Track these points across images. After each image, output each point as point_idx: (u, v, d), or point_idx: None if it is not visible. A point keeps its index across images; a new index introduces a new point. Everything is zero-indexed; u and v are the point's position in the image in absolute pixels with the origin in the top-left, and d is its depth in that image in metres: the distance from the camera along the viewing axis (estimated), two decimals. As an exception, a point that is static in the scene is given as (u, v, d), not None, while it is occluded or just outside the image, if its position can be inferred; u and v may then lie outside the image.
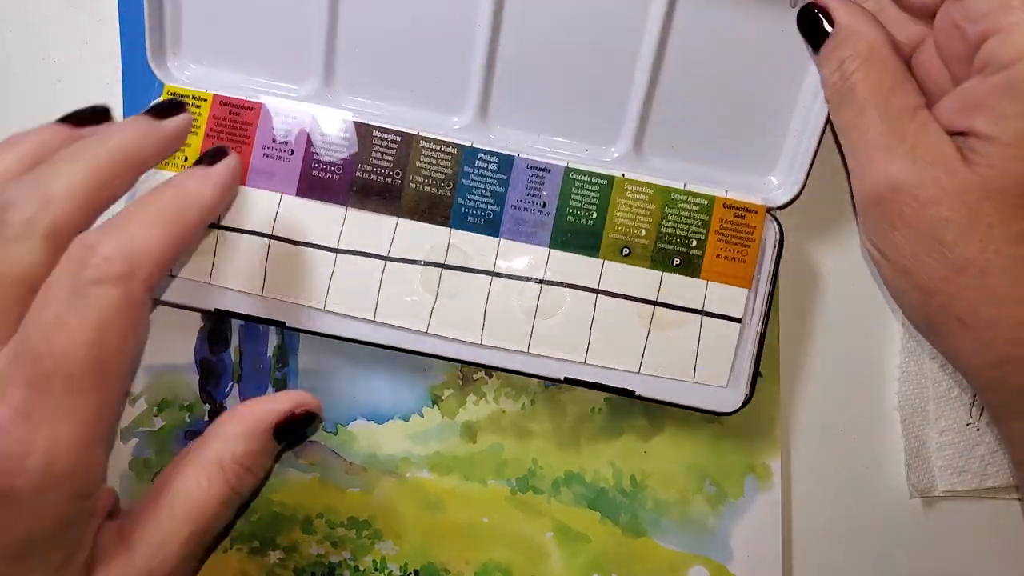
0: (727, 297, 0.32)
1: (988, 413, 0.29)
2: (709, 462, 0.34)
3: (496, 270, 0.32)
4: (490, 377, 0.34)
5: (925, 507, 0.34)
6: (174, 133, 0.28)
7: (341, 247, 0.32)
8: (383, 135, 0.32)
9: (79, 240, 0.23)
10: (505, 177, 0.32)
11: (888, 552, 0.34)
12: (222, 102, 0.31)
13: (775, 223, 0.32)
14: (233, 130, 0.31)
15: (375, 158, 0.32)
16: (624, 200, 0.32)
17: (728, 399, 0.32)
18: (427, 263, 0.32)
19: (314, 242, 0.31)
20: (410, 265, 0.32)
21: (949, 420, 0.34)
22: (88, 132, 0.27)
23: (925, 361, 0.34)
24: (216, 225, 0.31)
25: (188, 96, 0.31)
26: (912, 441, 0.34)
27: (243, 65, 0.32)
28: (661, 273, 0.32)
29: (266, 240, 0.31)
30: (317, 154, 0.31)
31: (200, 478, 0.26)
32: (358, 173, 0.32)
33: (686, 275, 0.32)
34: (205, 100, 0.31)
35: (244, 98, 0.32)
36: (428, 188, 0.32)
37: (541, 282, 0.32)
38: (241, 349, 0.33)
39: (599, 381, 0.32)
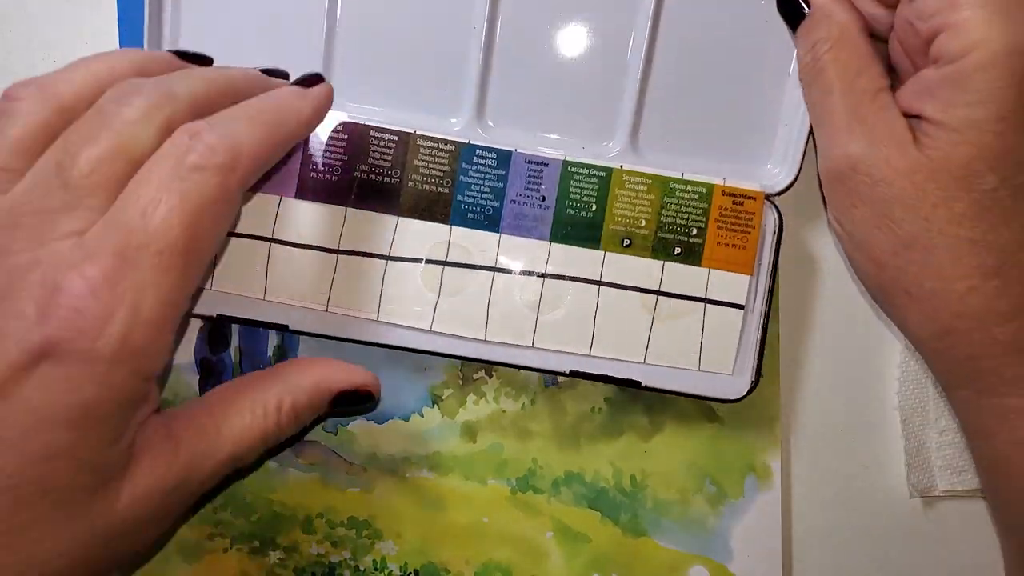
0: (729, 284, 0.32)
1: (938, 382, 0.31)
2: (709, 462, 0.34)
3: (498, 266, 0.32)
4: (490, 377, 0.34)
5: (925, 507, 0.34)
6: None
7: (342, 248, 0.32)
8: (380, 135, 0.31)
9: (185, 127, 0.24)
10: (503, 172, 0.32)
11: (888, 552, 0.34)
12: None
13: (774, 209, 0.32)
14: None
15: (373, 158, 0.32)
16: (623, 191, 0.32)
17: (734, 386, 0.32)
18: (428, 261, 0.32)
19: (315, 244, 0.31)
20: (411, 264, 0.32)
21: (949, 420, 0.34)
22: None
23: (925, 361, 0.34)
24: None
25: None
26: (912, 441, 0.34)
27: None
28: (663, 262, 0.32)
29: (266, 244, 0.31)
30: (315, 156, 0.31)
31: (256, 409, 0.27)
32: (356, 173, 0.31)
33: (687, 264, 0.32)
34: None
35: None
36: (427, 186, 0.32)
37: (543, 276, 0.32)
38: (241, 349, 0.33)
39: (604, 373, 0.32)
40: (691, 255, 0.32)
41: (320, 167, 0.31)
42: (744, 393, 0.32)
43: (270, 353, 0.33)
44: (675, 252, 0.32)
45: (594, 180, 0.32)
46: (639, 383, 0.32)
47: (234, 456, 0.27)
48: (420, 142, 0.32)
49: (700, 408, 0.34)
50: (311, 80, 0.29)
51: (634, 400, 0.34)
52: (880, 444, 0.34)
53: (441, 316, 0.32)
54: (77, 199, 0.23)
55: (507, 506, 0.33)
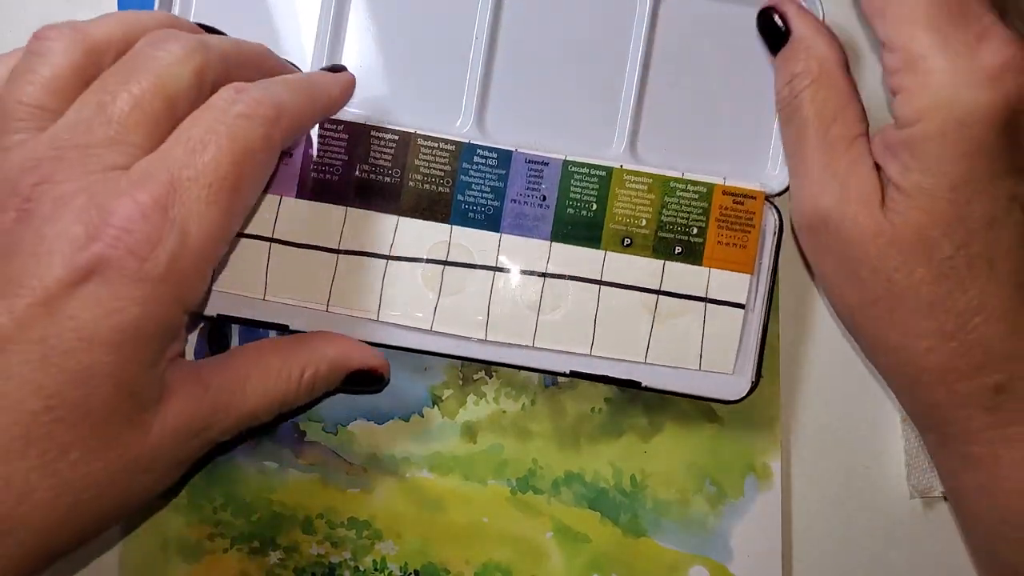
0: (730, 283, 0.32)
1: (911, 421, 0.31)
2: (709, 462, 0.34)
3: (498, 265, 0.32)
4: (490, 377, 0.34)
5: (925, 507, 0.34)
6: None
7: (342, 248, 0.32)
8: (381, 134, 0.32)
9: (230, 85, 0.26)
10: (504, 172, 0.32)
11: (888, 552, 0.34)
12: None
13: (774, 209, 0.32)
14: None
15: (373, 158, 0.32)
16: (623, 191, 0.32)
17: (734, 386, 0.32)
18: (429, 261, 0.32)
19: (315, 244, 0.31)
20: (412, 263, 0.32)
21: (949, 420, 0.34)
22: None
23: (925, 361, 0.34)
24: None
25: None
26: (912, 441, 0.34)
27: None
28: (663, 262, 0.32)
29: (267, 243, 0.31)
30: (315, 156, 0.31)
31: (282, 372, 0.28)
32: (357, 173, 0.32)
33: (688, 263, 0.32)
34: None
35: None
36: (427, 186, 0.32)
37: (544, 275, 0.32)
38: (241, 349, 0.33)
39: (604, 373, 0.32)
40: (692, 254, 0.32)
41: (321, 167, 0.31)
42: (744, 393, 0.32)
43: (270, 353, 0.33)
44: (676, 251, 0.32)
45: (594, 180, 0.32)
46: (639, 383, 0.32)
47: (255, 412, 0.28)
48: (421, 142, 0.32)
49: (700, 408, 0.34)
50: (335, 68, 0.31)
51: (634, 400, 0.34)
52: (880, 444, 0.34)
53: (441, 316, 0.32)
54: (120, 135, 0.24)
55: (507, 506, 0.33)
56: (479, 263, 0.32)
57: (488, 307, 0.32)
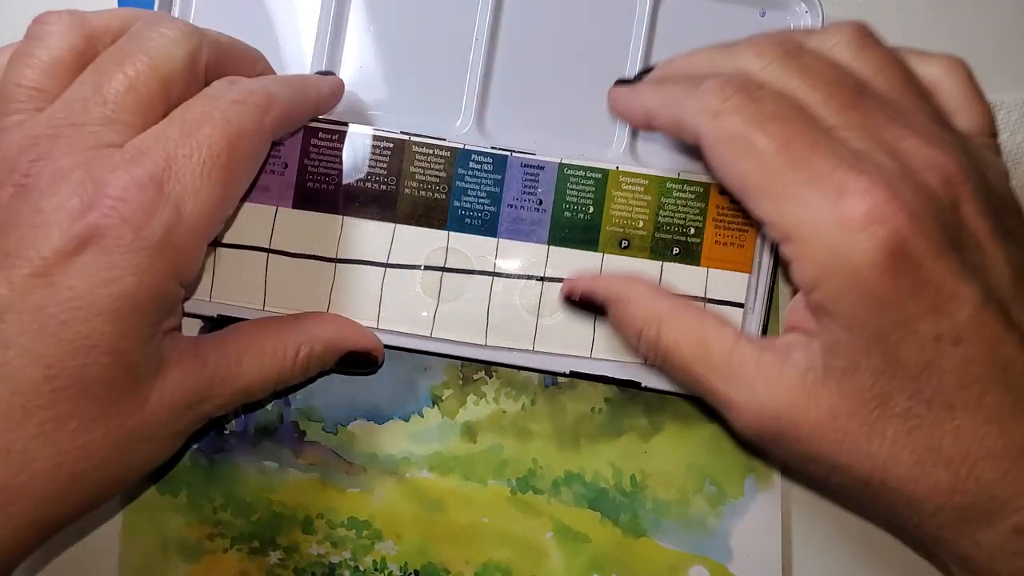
0: (728, 283, 0.32)
1: None
2: (709, 462, 0.34)
3: (496, 270, 0.32)
4: (490, 377, 0.34)
5: (925, 507, 0.34)
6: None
7: (340, 257, 0.31)
8: (375, 142, 0.31)
9: (225, 77, 0.27)
10: (500, 177, 0.32)
11: (888, 552, 0.34)
12: None
13: None
14: None
15: (368, 166, 0.31)
16: (620, 193, 0.32)
17: None
18: (427, 267, 0.32)
19: (313, 253, 0.31)
20: (410, 271, 0.32)
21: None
22: None
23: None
24: (213, 243, 0.31)
25: None
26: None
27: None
28: (661, 263, 0.32)
29: (264, 254, 0.31)
30: (310, 165, 0.31)
31: (277, 350, 0.29)
32: (352, 182, 0.31)
33: (686, 263, 0.32)
34: None
35: None
36: (423, 193, 0.32)
37: (542, 279, 0.32)
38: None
39: (604, 374, 0.32)
40: (689, 255, 0.32)
41: (315, 176, 0.31)
42: None
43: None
44: (673, 252, 0.32)
45: (590, 182, 0.32)
46: (639, 383, 0.32)
47: (249, 388, 0.28)
48: (415, 148, 0.32)
49: (700, 408, 0.34)
50: (324, 74, 0.32)
51: (634, 400, 0.34)
52: (880, 444, 0.34)
53: (441, 322, 0.32)
54: (115, 114, 0.25)
55: (507, 506, 0.33)
56: (477, 268, 0.32)
57: (487, 312, 0.32)
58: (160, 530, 0.33)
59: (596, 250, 0.32)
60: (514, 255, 0.32)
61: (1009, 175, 0.27)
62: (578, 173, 0.32)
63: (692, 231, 0.32)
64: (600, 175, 0.32)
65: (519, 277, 0.32)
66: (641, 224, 0.32)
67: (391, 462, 0.33)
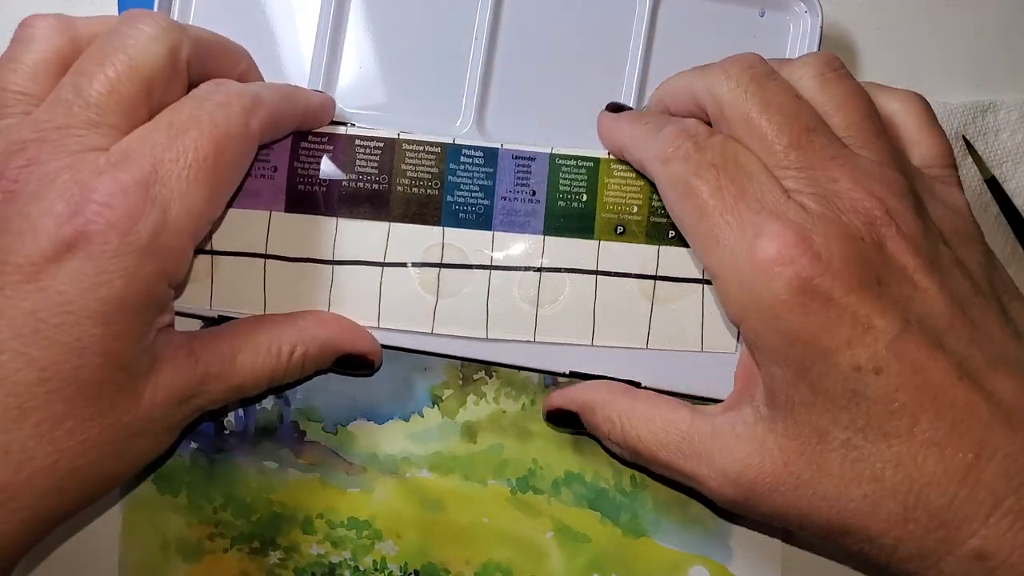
0: None
1: None
2: (709, 462, 0.34)
3: (493, 263, 0.32)
4: (490, 377, 0.34)
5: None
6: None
7: (336, 258, 0.31)
8: (365, 142, 0.31)
9: (212, 80, 0.27)
10: (491, 170, 0.32)
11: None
12: None
13: None
14: None
15: (360, 166, 0.31)
16: (612, 180, 0.32)
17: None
18: (424, 264, 0.32)
19: (309, 256, 0.31)
20: (407, 268, 0.32)
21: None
22: None
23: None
24: (210, 251, 0.31)
25: None
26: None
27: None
28: (657, 247, 0.32)
29: (261, 260, 0.31)
30: (300, 168, 0.31)
31: (272, 348, 0.29)
32: (344, 183, 0.31)
33: (683, 246, 0.32)
34: None
35: None
36: (416, 189, 0.32)
37: (540, 270, 0.32)
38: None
39: (603, 373, 0.32)
40: None
41: (307, 180, 0.31)
42: None
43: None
44: (669, 235, 0.32)
45: (583, 171, 0.32)
46: (639, 383, 0.32)
47: (243, 385, 0.28)
48: (405, 146, 0.31)
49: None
50: (316, 91, 0.32)
51: (634, 400, 0.34)
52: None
53: (441, 318, 0.32)
54: (98, 116, 0.25)
55: (507, 506, 0.33)
56: (474, 263, 0.32)
57: (487, 306, 0.32)
58: (160, 530, 0.33)
59: (592, 238, 0.32)
60: (510, 247, 0.32)
61: (968, 205, 0.28)
62: (569, 162, 0.32)
63: None
64: (592, 163, 0.32)
65: (516, 269, 0.32)
66: (635, 209, 0.32)
67: (391, 462, 0.33)
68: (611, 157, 0.32)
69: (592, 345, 0.32)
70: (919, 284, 0.25)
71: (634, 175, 0.32)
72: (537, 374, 0.33)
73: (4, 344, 0.23)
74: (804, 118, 0.26)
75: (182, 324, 0.32)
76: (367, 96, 0.33)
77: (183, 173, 0.24)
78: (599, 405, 0.30)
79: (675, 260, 0.32)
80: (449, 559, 0.33)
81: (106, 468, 0.25)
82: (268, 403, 0.33)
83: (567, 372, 0.32)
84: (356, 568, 0.33)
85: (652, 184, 0.31)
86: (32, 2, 0.34)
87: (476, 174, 0.32)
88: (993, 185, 0.35)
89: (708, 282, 0.32)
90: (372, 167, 0.31)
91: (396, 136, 0.31)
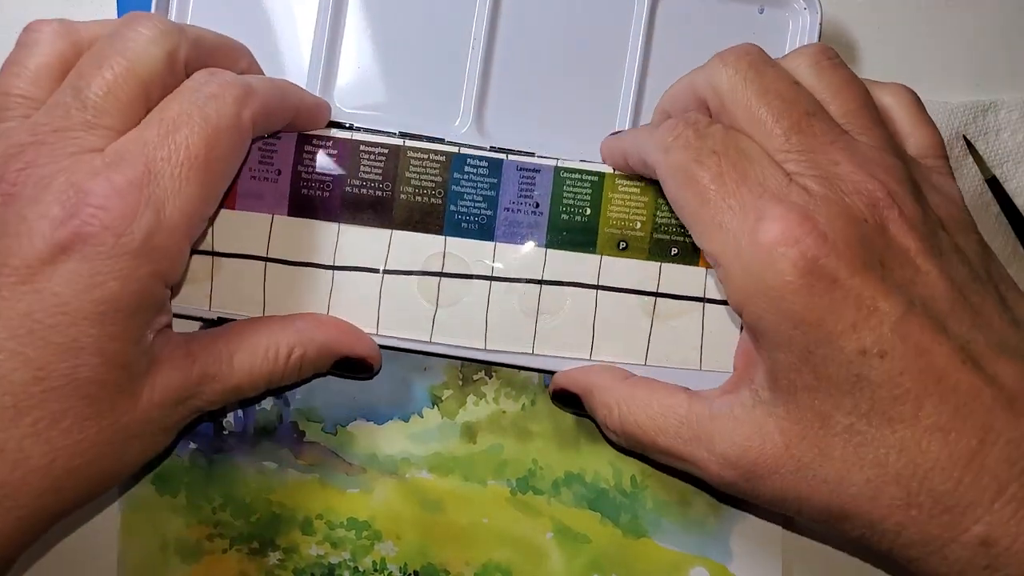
0: None
1: None
2: (709, 462, 0.33)
3: (494, 274, 0.32)
4: (490, 377, 0.34)
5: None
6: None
7: (337, 264, 0.31)
8: (370, 148, 0.31)
9: (205, 69, 0.27)
10: (496, 181, 0.32)
11: (890, 553, 0.34)
12: None
13: None
14: None
15: (364, 172, 0.31)
16: (616, 195, 0.32)
17: None
18: (425, 273, 0.32)
19: (310, 261, 0.31)
20: (408, 276, 0.32)
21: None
22: None
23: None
24: (211, 252, 0.31)
25: None
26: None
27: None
28: (659, 264, 0.32)
29: (262, 263, 0.31)
30: (304, 172, 0.31)
31: (269, 350, 0.29)
32: (347, 188, 0.31)
33: (685, 264, 0.32)
34: None
35: None
36: (419, 198, 0.31)
37: (540, 283, 0.32)
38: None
39: None
40: (688, 255, 0.32)
41: (311, 184, 0.31)
42: None
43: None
44: (672, 253, 0.32)
45: (587, 184, 0.32)
46: None
47: (240, 387, 0.28)
48: (410, 154, 0.31)
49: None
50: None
51: (634, 400, 0.33)
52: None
53: (440, 327, 0.32)
54: (95, 118, 0.25)
55: (507, 507, 0.33)
56: (475, 273, 0.32)
57: (486, 316, 0.32)
58: (159, 530, 0.33)
59: (594, 252, 0.32)
60: (512, 259, 0.32)
61: (962, 195, 0.28)
62: (574, 176, 0.32)
63: None
64: (596, 178, 0.32)
65: (517, 281, 0.32)
66: (639, 225, 0.32)
67: (391, 462, 0.33)
68: (616, 172, 0.32)
69: (590, 360, 0.32)
70: (921, 267, 0.25)
71: (638, 190, 0.32)
72: (537, 375, 0.33)
73: (1, 344, 0.23)
74: (803, 103, 0.26)
75: (181, 326, 0.32)
76: (366, 96, 0.33)
77: (176, 172, 0.25)
78: (597, 391, 0.30)
79: (677, 278, 0.32)
80: (449, 560, 0.33)
81: (103, 468, 0.25)
82: (267, 403, 0.33)
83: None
84: (355, 569, 0.33)
85: (656, 200, 0.32)
86: (32, 4, 0.34)
87: (480, 184, 0.32)
88: (994, 185, 0.35)
89: (709, 301, 0.32)
90: (376, 173, 0.31)
91: (401, 143, 0.31)
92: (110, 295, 0.24)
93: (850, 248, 0.24)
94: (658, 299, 0.32)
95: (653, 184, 0.31)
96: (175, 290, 0.30)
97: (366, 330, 0.31)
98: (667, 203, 0.31)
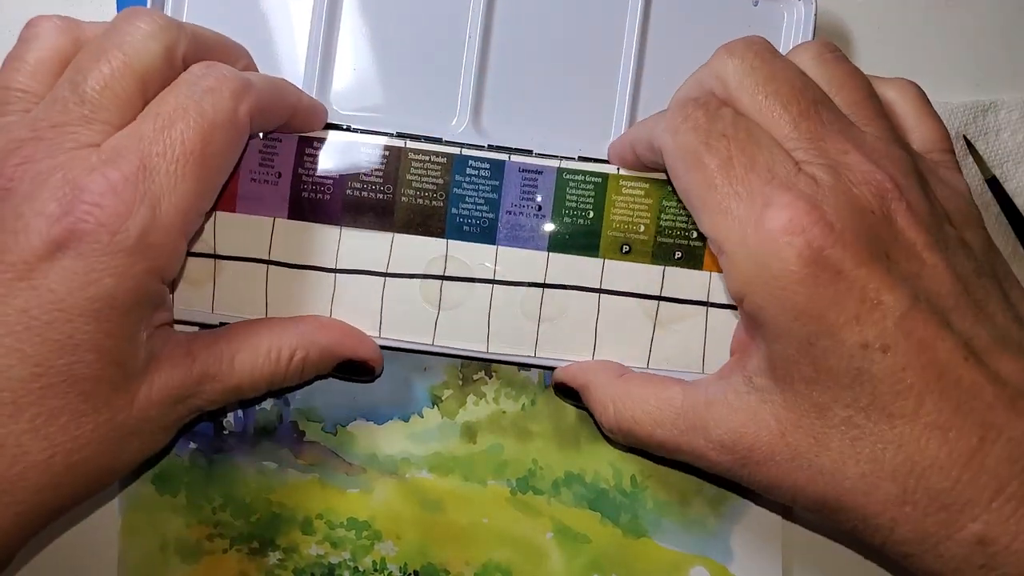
0: None
1: None
2: (709, 462, 0.33)
3: (496, 278, 0.32)
4: (490, 377, 0.34)
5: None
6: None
7: (339, 267, 0.31)
8: (370, 150, 0.31)
9: (201, 62, 0.27)
10: (497, 183, 0.31)
11: (890, 553, 0.34)
12: None
13: None
14: None
15: (364, 174, 0.31)
16: (620, 197, 0.32)
17: None
18: (426, 276, 0.31)
19: (312, 264, 0.31)
20: (410, 279, 0.31)
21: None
22: None
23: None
24: (213, 255, 0.31)
25: None
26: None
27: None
28: (663, 267, 0.32)
29: (264, 266, 0.31)
30: (305, 175, 0.31)
31: (271, 352, 0.29)
32: (348, 191, 0.31)
33: (688, 267, 0.32)
34: None
35: None
36: (420, 200, 0.31)
37: (543, 286, 0.32)
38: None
39: None
40: (692, 259, 0.32)
41: (311, 187, 0.31)
42: None
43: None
44: (676, 256, 0.32)
45: (590, 187, 0.32)
46: None
47: (240, 388, 0.28)
48: (411, 156, 0.31)
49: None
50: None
51: (634, 400, 0.33)
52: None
53: (442, 330, 0.31)
54: (93, 113, 0.25)
55: (507, 507, 0.33)
56: (477, 276, 0.32)
57: (488, 320, 0.32)
58: (159, 530, 0.33)
59: (597, 256, 0.32)
60: (514, 262, 0.32)
61: (969, 189, 0.28)
62: (577, 177, 0.32)
63: (695, 235, 0.32)
64: (600, 179, 0.32)
65: (519, 284, 0.32)
66: (642, 229, 0.32)
67: (391, 462, 0.33)
68: (620, 172, 0.32)
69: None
70: (927, 261, 0.24)
71: (643, 192, 0.31)
72: (537, 375, 0.33)
73: None
74: (811, 92, 0.26)
75: (184, 331, 0.32)
76: (363, 98, 0.33)
77: (171, 168, 0.25)
78: (594, 387, 0.30)
79: (680, 281, 0.32)
80: (449, 560, 0.33)
81: (102, 464, 0.25)
82: (267, 403, 0.33)
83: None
84: (355, 569, 0.33)
85: (660, 203, 0.31)
86: (33, 2, 0.34)
87: (482, 187, 0.31)
88: (994, 185, 0.35)
89: (712, 305, 0.32)
90: (377, 176, 0.31)
91: (402, 145, 0.31)
92: (106, 292, 0.24)
93: (857, 239, 0.24)
94: (661, 303, 0.32)
95: (658, 185, 0.31)
96: (173, 286, 0.30)
97: (368, 333, 0.31)
98: (671, 206, 0.31)
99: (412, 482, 0.33)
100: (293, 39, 0.33)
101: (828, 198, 0.24)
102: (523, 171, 0.31)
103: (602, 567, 0.33)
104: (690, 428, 0.27)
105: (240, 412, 0.33)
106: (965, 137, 0.35)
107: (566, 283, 0.32)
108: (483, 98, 0.33)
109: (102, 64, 0.25)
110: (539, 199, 0.31)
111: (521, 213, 0.31)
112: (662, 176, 0.31)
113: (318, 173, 0.31)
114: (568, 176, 0.31)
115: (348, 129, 0.31)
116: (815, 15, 0.32)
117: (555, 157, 0.32)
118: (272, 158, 0.31)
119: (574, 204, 0.32)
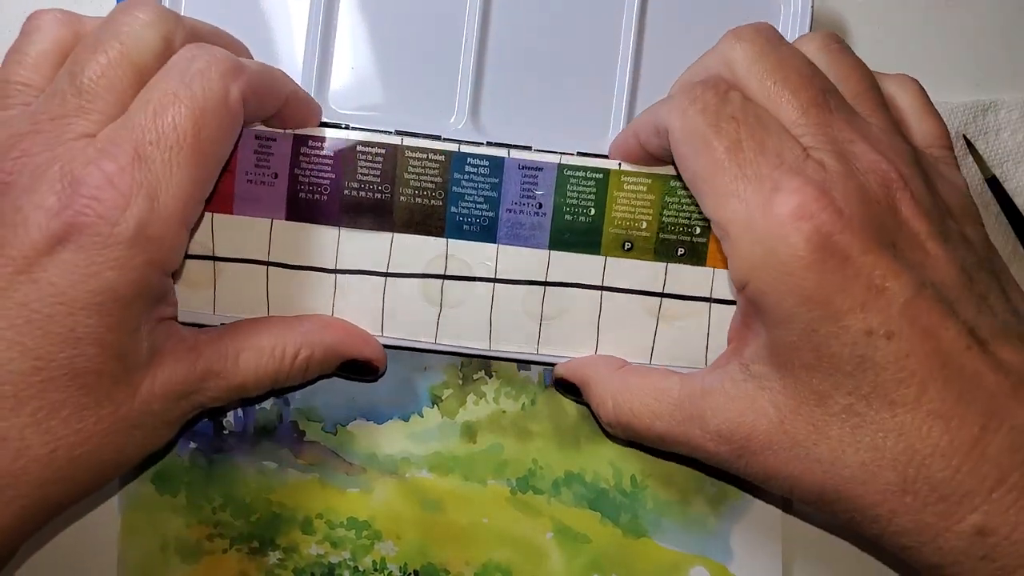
0: None
1: None
2: (709, 462, 0.33)
3: (497, 276, 0.32)
4: (490, 377, 0.34)
5: (927, 507, 0.34)
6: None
7: (339, 267, 0.31)
8: (367, 149, 0.31)
9: (193, 43, 0.26)
10: (497, 180, 0.31)
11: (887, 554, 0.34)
12: None
13: None
14: None
15: (361, 174, 0.31)
16: (622, 193, 0.31)
17: None
18: (427, 276, 0.31)
19: (312, 265, 0.31)
20: (410, 279, 0.31)
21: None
22: None
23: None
24: (212, 257, 0.31)
25: None
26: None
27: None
28: (665, 264, 0.31)
29: (264, 267, 0.31)
30: (301, 176, 0.31)
31: (275, 350, 0.29)
32: (346, 191, 0.31)
33: (691, 264, 0.31)
34: None
35: None
36: (419, 199, 0.31)
37: (544, 284, 0.32)
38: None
39: None
40: (694, 255, 0.32)
41: (308, 187, 0.31)
42: None
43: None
44: (678, 253, 0.32)
45: (591, 183, 0.31)
46: None
47: (244, 385, 0.28)
48: (409, 154, 0.31)
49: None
50: None
51: (634, 400, 0.33)
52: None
53: (444, 329, 0.31)
54: (89, 103, 0.25)
55: (507, 506, 0.33)
56: (478, 275, 0.31)
57: (490, 318, 0.31)
58: (159, 530, 0.33)
59: (598, 253, 0.31)
60: (515, 261, 0.31)
61: (967, 185, 0.28)
62: (578, 174, 0.31)
63: (698, 231, 0.31)
64: (601, 175, 0.31)
65: (521, 283, 0.32)
66: (644, 225, 0.31)
67: (391, 462, 0.33)
68: (622, 168, 0.31)
69: None
70: (930, 251, 0.24)
71: (645, 188, 0.31)
72: (537, 375, 0.33)
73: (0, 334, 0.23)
74: (819, 80, 0.26)
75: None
76: (361, 97, 0.33)
77: (166, 156, 0.24)
78: (593, 383, 0.30)
79: (682, 278, 0.31)
80: (449, 559, 0.33)
81: (104, 458, 0.25)
82: (267, 403, 0.33)
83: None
84: (355, 568, 0.33)
85: (663, 199, 0.31)
86: (32, 3, 0.34)
87: (481, 184, 0.31)
88: (994, 184, 0.35)
89: (715, 301, 0.31)
90: (374, 175, 0.31)
91: (399, 143, 0.31)
92: (107, 285, 0.24)
93: (864, 226, 0.24)
94: (664, 300, 0.32)
95: (660, 180, 0.31)
96: (175, 277, 0.30)
97: (372, 334, 0.31)
98: (674, 201, 0.31)
99: (412, 482, 0.33)
100: (291, 38, 0.33)
101: (837, 184, 0.24)
102: (523, 168, 0.31)
103: (602, 567, 0.33)
104: (687, 419, 0.27)
105: (240, 412, 0.33)
106: (965, 136, 0.35)
107: (567, 281, 0.31)
108: (481, 96, 0.33)
109: (99, 54, 0.25)
110: (540, 196, 0.31)
111: (521, 211, 0.31)
112: (664, 171, 0.31)
113: (314, 173, 0.31)
114: (569, 173, 0.31)
115: (346, 127, 0.31)
116: (812, 6, 0.32)
117: (555, 153, 0.31)
118: (268, 158, 0.31)
119: (575, 201, 0.31)
